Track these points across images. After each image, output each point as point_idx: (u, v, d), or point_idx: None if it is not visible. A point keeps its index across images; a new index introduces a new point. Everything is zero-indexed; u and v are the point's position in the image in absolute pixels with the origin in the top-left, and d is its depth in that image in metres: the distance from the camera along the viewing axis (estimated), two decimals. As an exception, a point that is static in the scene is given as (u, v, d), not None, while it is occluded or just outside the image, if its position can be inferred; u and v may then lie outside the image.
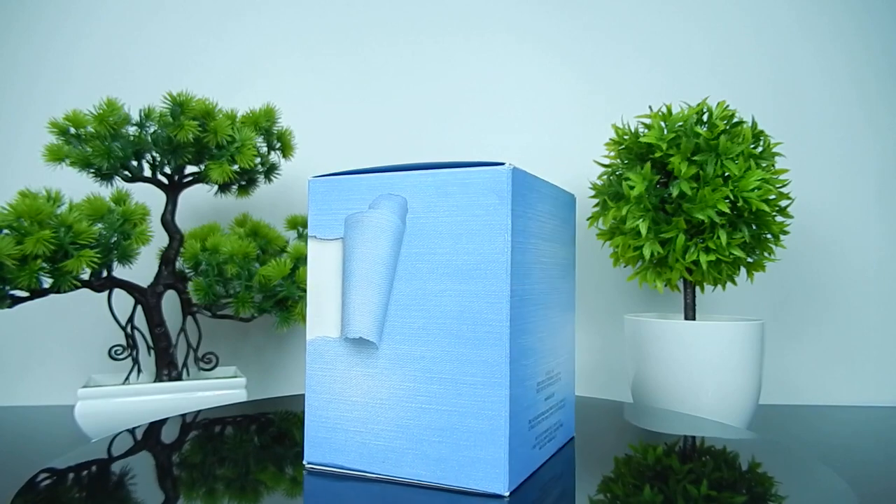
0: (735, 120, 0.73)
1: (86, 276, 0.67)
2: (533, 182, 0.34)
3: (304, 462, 0.36)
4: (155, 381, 0.71)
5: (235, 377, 0.72)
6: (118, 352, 0.72)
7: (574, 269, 0.41)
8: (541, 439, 0.35)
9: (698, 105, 0.72)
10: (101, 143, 0.67)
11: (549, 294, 0.36)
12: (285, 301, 0.73)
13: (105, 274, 0.69)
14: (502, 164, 0.31)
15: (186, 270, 0.74)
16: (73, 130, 0.69)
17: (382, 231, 0.34)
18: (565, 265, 0.39)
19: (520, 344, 0.32)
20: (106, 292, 0.70)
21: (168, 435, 0.42)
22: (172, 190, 0.75)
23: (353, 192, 0.35)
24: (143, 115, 0.70)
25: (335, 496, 0.31)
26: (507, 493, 0.30)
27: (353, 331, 0.34)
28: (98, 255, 0.63)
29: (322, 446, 0.35)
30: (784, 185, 0.72)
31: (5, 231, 0.61)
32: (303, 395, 0.55)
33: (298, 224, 0.82)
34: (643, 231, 0.69)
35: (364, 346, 0.34)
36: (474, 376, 0.31)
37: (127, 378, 0.72)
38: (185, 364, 0.74)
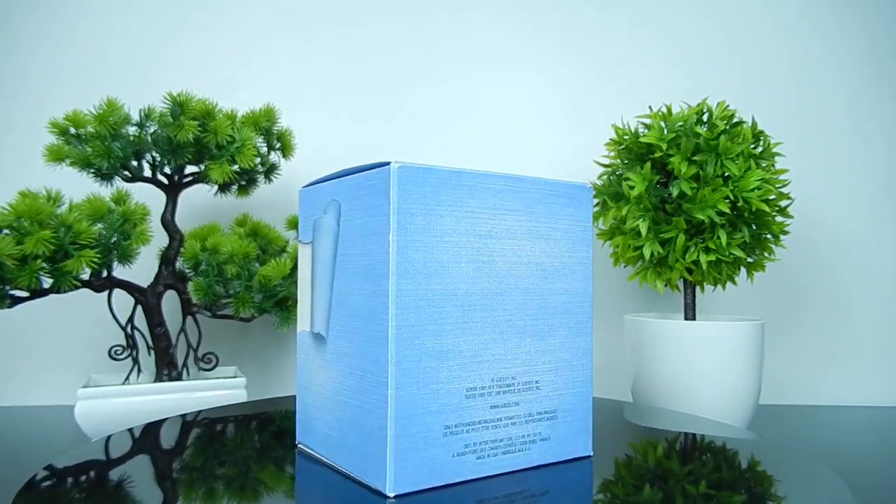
0: (735, 120, 0.73)
1: (86, 276, 0.67)
2: (455, 177, 0.32)
3: (296, 441, 0.40)
4: (155, 381, 0.71)
5: (235, 377, 0.72)
6: (118, 352, 0.72)
7: (581, 267, 0.37)
8: (479, 449, 0.33)
9: (698, 105, 0.72)
10: (101, 143, 0.67)
11: (498, 295, 0.34)
12: (285, 301, 0.73)
13: (105, 274, 0.69)
14: (387, 163, 0.31)
15: (186, 270, 0.74)
16: (73, 130, 0.69)
17: (327, 234, 0.36)
18: (553, 264, 0.36)
19: (424, 345, 0.31)
20: (106, 292, 0.70)
21: (168, 435, 0.42)
22: (172, 190, 0.75)
23: (317, 199, 0.37)
24: (143, 115, 0.70)
25: (296, 473, 0.32)
26: (391, 494, 0.30)
27: (314, 326, 0.37)
28: (98, 255, 0.63)
29: (303, 428, 0.39)
30: (784, 185, 0.72)
31: (5, 231, 0.61)
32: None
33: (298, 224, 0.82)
34: (643, 231, 0.69)
35: (320, 341, 0.37)
36: (374, 374, 0.32)
37: (127, 378, 0.72)
38: (185, 364, 0.74)
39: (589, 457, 0.37)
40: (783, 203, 0.74)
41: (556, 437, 0.36)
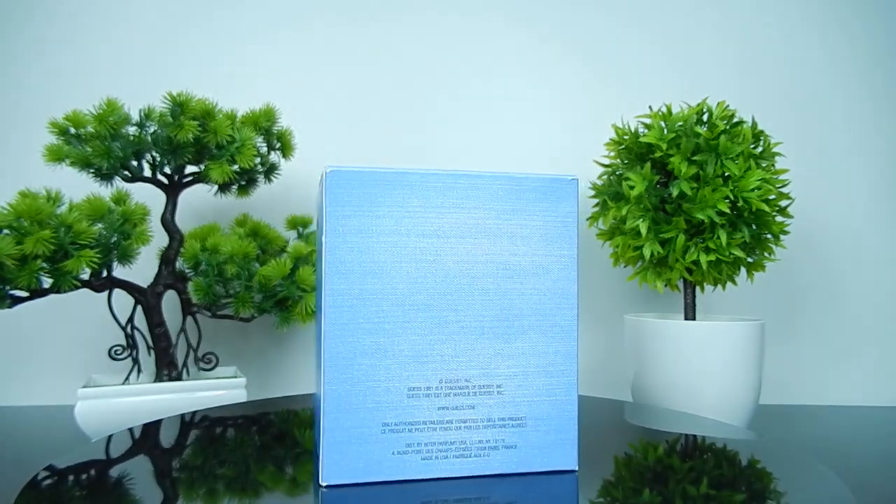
0: (735, 120, 0.73)
1: (86, 276, 0.67)
2: (394, 178, 0.32)
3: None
4: (155, 381, 0.71)
5: (235, 377, 0.72)
6: (118, 352, 0.72)
7: (561, 266, 0.34)
8: (424, 449, 0.33)
9: (698, 105, 0.72)
10: (101, 143, 0.67)
11: (448, 295, 0.33)
12: (285, 301, 0.73)
13: (105, 274, 0.69)
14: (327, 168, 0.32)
15: (186, 270, 0.74)
16: (73, 130, 0.69)
17: (317, 237, 0.38)
18: (521, 263, 0.34)
19: (358, 343, 0.32)
20: (106, 292, 0.70)
21: (168, 435, 0.43)
22: (172, 190, 0.75)
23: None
24: (143, 115, 0.70)
25: (290, 460, 0.32)
26: (322, 484, 0.32)
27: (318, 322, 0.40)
28: (98, 255, 0.63)
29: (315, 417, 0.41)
30: (784, 185, 0.72)
31: (5, 231, 0.61)
32: (302, 396, 0.55)
33: (298, 224, 0.82)
34: (643, 231, 0.69)
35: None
36: (318, 368, 0.33)
37: (127, 378, 0.72)
38: (185, 364, 0.74)
39: (573, 471, 0.34)
40: (783, 203, 0.74)
41: (526, 447, 0.34)
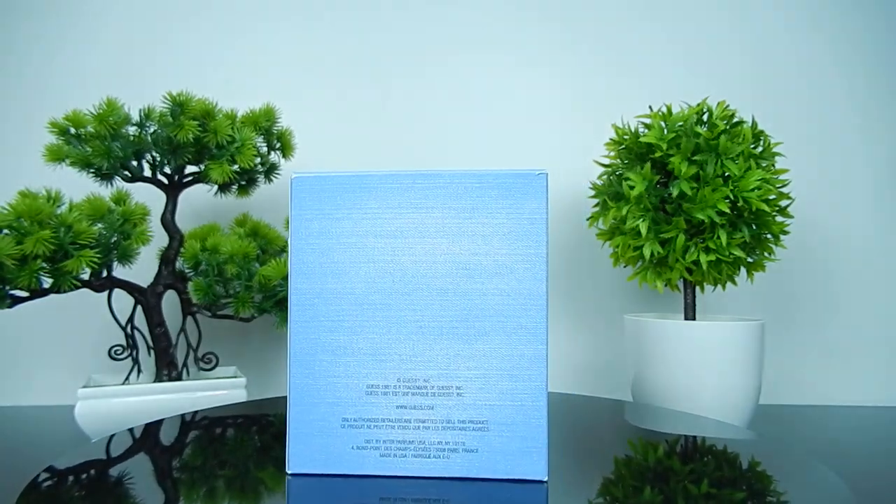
0: (735, 120, 0.73)
1: (86, 276, 0.67)
2: (352, 181, 0.34)
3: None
4: (155, 381, 0.71)
5: (235, 377, 0.72)
6: (118, 352, 0.72)
7: (527, 266, 0.33)
8: (382, 446, 0.33)
9: (698, 105, 0.72)
10: (101, 143, 0.67)
11: (406, 295, 0.33)
12: (285, 301, 0.73)
13: (105, 274, 0.69)
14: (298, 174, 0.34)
15: (186, 270, 0.74)
16: (73, 130, 0.69)
17: None
18: (482, 263, 0.33)
19: (319, 340, 0.34)
20: (106, 292, 0.70)
21: (168, 435, 0.42)
22: (172, 190, 0.75)
23: None
24: (143, 115, 0.70)
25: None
26: (288, 472, 0.34)
27: None
28: (98, 255, 0.63)
29: None
30: (784, 185, 0.72)
31: (5, 231, 0.61)
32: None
33: (298, 224, 0.82)
34: (643, 231, 0.69)
35: None
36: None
37: (127, 378, 0.72)
38: (185, 364, 0.74)
39: (542, 481, 0.33)
40: (783, 203, 0.74)
41: (487, 452, 0.33)
